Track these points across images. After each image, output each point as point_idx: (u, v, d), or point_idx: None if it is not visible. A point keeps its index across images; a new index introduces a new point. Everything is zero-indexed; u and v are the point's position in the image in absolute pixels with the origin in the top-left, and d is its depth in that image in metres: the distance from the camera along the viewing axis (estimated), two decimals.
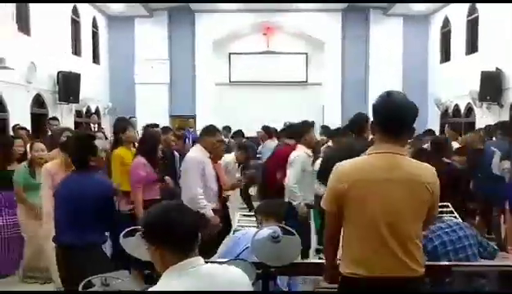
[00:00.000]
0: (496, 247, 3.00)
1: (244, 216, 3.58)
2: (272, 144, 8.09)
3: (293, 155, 4.67)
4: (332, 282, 2.24)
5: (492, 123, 7.12)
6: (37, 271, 4.57)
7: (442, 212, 3.65)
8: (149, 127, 6.25)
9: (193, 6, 13.39)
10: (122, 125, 4.93)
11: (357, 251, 1.99)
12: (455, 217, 3.55)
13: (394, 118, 2.01)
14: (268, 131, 8.76)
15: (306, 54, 14.38)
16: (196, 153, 4.29)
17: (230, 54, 14.37)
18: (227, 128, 10.10)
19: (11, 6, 8.36)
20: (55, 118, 8.08)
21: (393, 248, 1.94)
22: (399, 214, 1.96)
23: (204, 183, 4.15)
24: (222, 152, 4.72)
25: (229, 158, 6.15)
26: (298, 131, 4.97)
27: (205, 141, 4.32)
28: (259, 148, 8.83)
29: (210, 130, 4.43)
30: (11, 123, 8.22)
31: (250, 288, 1.75)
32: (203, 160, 4.20)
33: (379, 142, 2.05)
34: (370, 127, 2.18)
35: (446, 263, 2.61)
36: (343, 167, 2.07)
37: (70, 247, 2.91)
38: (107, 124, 12.85)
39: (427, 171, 2.05)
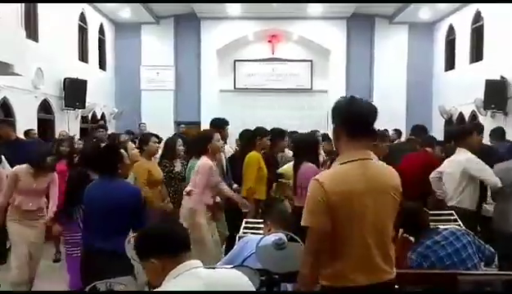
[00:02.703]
0: (493, 250, 2.93)
1: (250, 222, 3.58)
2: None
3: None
4: None
5: None
6: None
7: (446, 220, 3.63)
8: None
9: (199, 13, 13.49)
10: (261, 131, 5.07)
11: (343, 266, 1.94)
12: (459, 225, 3.51)
13: (363, 122, 2.00)
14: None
15: (311, 61, 14.42)
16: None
17: (235, 61, 14.42)
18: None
19: (20, 13, 8.46)
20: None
21: (377, 257, 1.94)
22: (383, 222, 1.97)
23: None
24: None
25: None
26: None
27: (375, 146, 4.21)
28: None
29: (381, 134, 4.41)
30: (18, 128, 8.30)
31: (251, 289, 1.78)
32: None
33: (349, 148, 1.99)
34: (333, 132, 2.09)
35: (452, 271, 2.59)
36: (326, 178, 1.95)
37: (93, 251, 2.95)
38: (112, 130, 12.92)
39: (394, 174, 2.07)
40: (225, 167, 5.13)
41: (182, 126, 11.62)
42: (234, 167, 5.25)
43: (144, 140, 4.90)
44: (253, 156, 4.85)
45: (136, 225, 3.04)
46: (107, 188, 3.06)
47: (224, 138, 5.29)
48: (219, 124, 5.33)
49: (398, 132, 10.26)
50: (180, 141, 5.31)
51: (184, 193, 4.37)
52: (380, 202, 1.96)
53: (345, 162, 1.98)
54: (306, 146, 4.40)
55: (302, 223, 1.96)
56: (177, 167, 5.20)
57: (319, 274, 2.00)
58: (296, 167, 4.26)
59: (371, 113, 2.01)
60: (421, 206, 3.14)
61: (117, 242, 2.90)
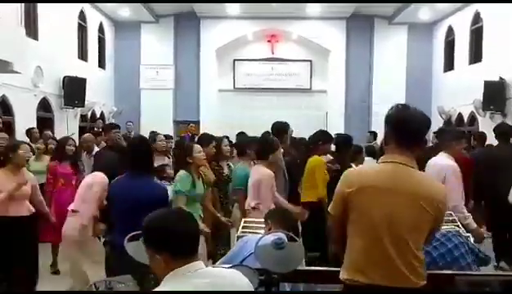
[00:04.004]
0: (486, 254, 2.95)
1: (249, 222, 3.58)
2: None
3: None
4: None
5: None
6: None
7: (444, 221, 3.65)
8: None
9: (199, 12, 13.49)
10: (326, 136, 4.85)
11: (358, 258, 2.01)
12: (457, 226, 3.53)
13: (412, 130, 2.03)
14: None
15: (310, 61, 14.43)
16: (450, 161, 4.06)
17: (234, 60, 14.43)
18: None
19: (20, 11, 8.45)
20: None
21: (393, 258, 1.95)
22: (401, 225, 1.97)
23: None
24: None
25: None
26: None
27: (453, 148, 4.13)
28: None
29: (458, 136, 4.26)
30: (17, 127, 8.29)
31: (251, 289, 1.78)
32: (458, 169, 4.05)
33: (391, 152, 2.06)
34: (384, 137, 2.17)
35: (449, 272, 2.60)
36: (352, 172, 2.14)
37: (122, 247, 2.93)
38: None
39: (437, 188, 2.07)
40: (286, 175, 4.83)
41: (192, 124, 11.59)
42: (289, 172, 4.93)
43: (205, 139, 4.67)
44: (319, 160, 4.58)
45: None
46: (135, 185, 3.03)
47: (286, 142, 5.05)
48: (283, 128, 5.07)
49: (373, 134, 10.27)
50: (225, 141, 5.04)
51: (248, 207, 4.14)
52: (401, 207, 1.96)
53: (382, 162, 2.07)
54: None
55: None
56: (225, 169, 4.91)
57: (342, 266, 2.09)
58: None
59: (422, 124, 2.05)
60: None
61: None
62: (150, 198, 2.94)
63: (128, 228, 2.91)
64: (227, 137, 6.24)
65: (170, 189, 5.24)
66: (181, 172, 3.87)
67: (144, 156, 3.11)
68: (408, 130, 2.03)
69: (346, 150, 4.87)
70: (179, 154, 4.33)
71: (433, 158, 4.24)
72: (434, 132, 7.22)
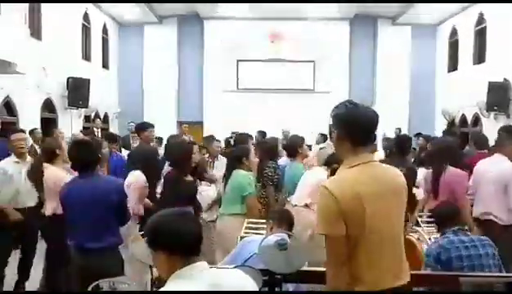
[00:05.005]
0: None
1: (252, 222, 3.59)
2: None
3: None
4: None
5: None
6: None
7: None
8: None
9: (202, 13, 13.52)
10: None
11: (358, 269, 1.92)
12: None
13: (366, 129, 2.00)
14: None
15: (313, 62, 14.41)
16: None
17: (238, 61, 14.42)
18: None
19: (24, 11, 8.48)
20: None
21: (393, 259, 1.93)
22: (396, 224, 1.97)
23: None
24: None
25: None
26: None
27: (502, 146, 4.09)
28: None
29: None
30: (21, 127, 8.30)
31: (255, 289, 1.77)
32: None
33: (352, 153, 1.99)
34: (335, 138, 2.05)
35: (454, 273, 2.59)
36: (334, 188, 1.90)
37: (88, 249, 2.93)
38: (115, 129, 12.95)
39: (401, 175, 2.09)
40: None
41: (185, 125, 11.58)
42: None
43: (244, 139, 4.87)
44: None
45: (122, 221, 3.11)
46: (91, 185, 3.01)
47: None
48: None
49: (323, 137, 10.25)
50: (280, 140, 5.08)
51: (302, 203, 4.21)
52: (393, 204, 1.96)
53: (352, 166, 1.97)
54: (447, 151, 4.19)
55: (318, 231, 1.95)
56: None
57: None
58: (438, 172, 4.09)
59: (374, 121, 2.01)
60: (457, 209, 3.20)
61: (107, 240, 2.96)
62: (96, 196, 2.96)
63: (85, 229, 2.94)
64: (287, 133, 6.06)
65: (212, 190, 5.19)
66: (249, 173, 4.02)
67: (86, 156, 3.08)
68: (363, 129, 1.99)
69: (407, 150, 4.96)
70: (234, 155, 4.42)
71: (485, 163, 4.13)
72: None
